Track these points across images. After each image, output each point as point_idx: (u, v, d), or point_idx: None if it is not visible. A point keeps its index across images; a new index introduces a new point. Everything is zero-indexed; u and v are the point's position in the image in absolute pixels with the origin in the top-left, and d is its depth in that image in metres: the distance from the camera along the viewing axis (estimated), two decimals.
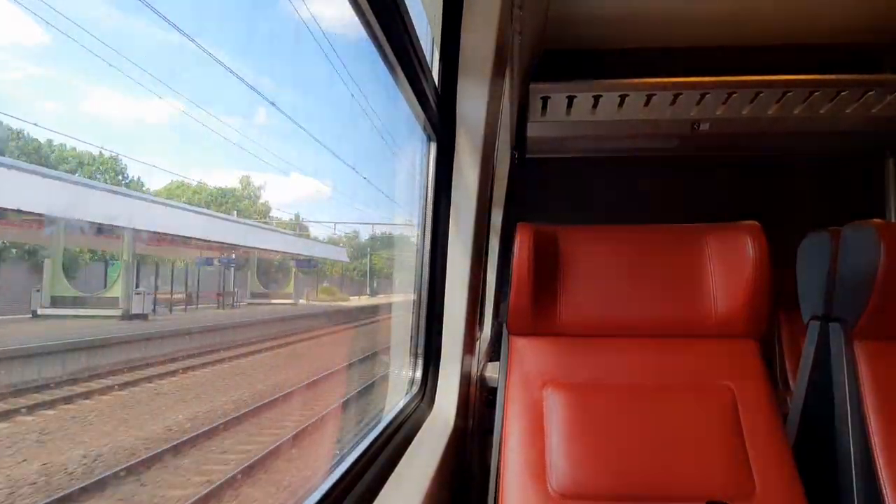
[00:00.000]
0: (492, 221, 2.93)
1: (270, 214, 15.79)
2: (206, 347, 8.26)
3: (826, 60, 2.70)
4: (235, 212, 13.35)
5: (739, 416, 1.26)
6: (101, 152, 8.05)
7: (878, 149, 2.91)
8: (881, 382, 1.31)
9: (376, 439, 1.20)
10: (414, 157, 1.69)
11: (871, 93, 2.44)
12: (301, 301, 16.35)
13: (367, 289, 26.45)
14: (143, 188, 8.74)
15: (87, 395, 5.44)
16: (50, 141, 6.73)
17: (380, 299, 23.68)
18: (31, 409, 4.82)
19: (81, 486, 3.72)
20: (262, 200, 15.65)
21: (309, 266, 16.04)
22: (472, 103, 1.54)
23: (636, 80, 2.43)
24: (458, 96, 1.54)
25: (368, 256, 26.90)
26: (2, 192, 4.32)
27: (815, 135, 2.73)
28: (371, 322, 15.67)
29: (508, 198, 3.10)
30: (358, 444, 1.17)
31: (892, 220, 2.89)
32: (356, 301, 21.40)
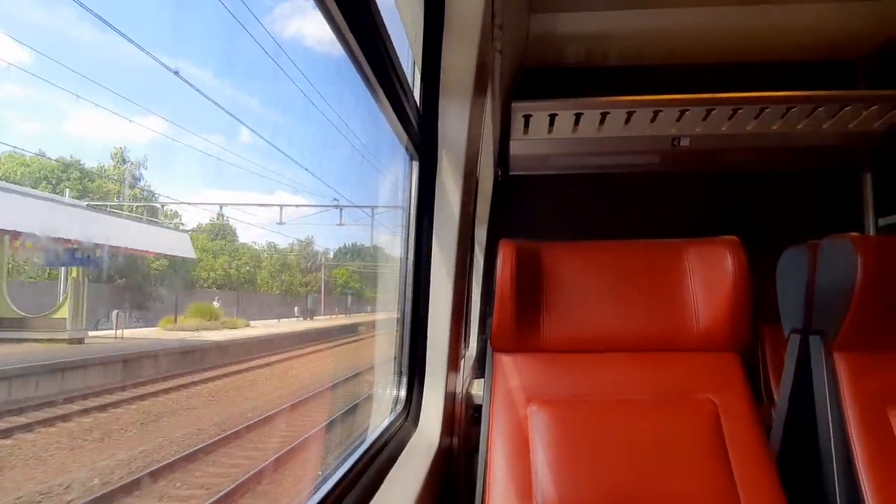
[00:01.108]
0: (476, 238, 2.94)
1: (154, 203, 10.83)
2: None
3: (803, 76, 2.77)
4: (68, 191, 8.89)
5: (723, 430, 1.27)
6: None
7: (855, 162, 2.96)
8: (861, 394, 1.32)
9: (359, 459, 1.19)
10: (396, 175, 1.70)
11: (847, 108, 2.49)
12: (98, 333, 8.58)
13: (299, 309, 21.08)
14: None
15: None
16: None
17: (311, 324, 18.48)
18: None
19: None
20: (146, 184, 10.85)
21: (89, 263, 8.02)
22: (453, 122, 1.55)
23: (616, 98, 2.46)
24: (439, 115, 1.55)
25: (322, 268, 23.68)
26: None
27: (794, 149, 2.78)
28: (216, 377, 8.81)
29: (492, 215, 3.12)
30: (341, 464, 1.16)
31: (870, 233, 2.94)
32: (256, 329, 14.23)
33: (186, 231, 13.31)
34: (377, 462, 1.25)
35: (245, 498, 4.47)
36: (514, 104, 2.50)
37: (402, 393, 1.59)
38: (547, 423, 1.30)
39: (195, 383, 8.36)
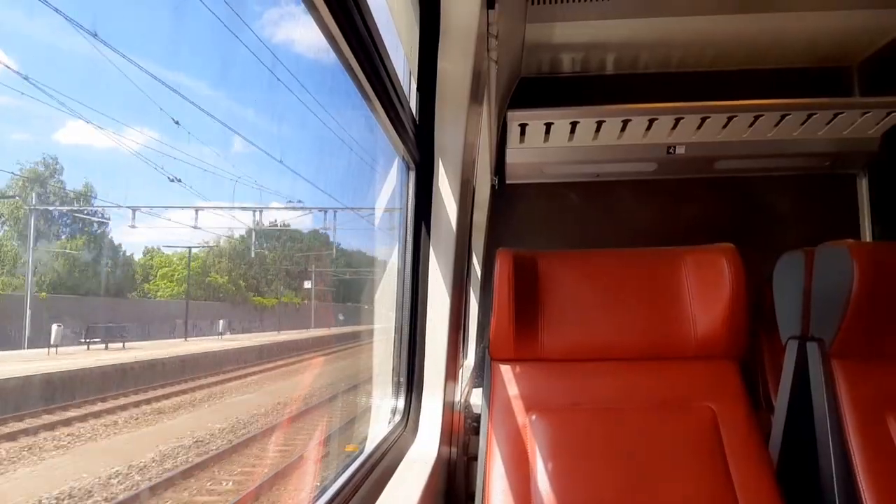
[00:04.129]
0: (473, 248, 2.94)
1: None
2: None
3: (798, 84, 2.78)
4: None
5: (721, 438, 1.27)
6: None
7: (851, 168, 2.98)
8: (859, 401, 1.32)
9: (358, 469, 1.19)
10: (393, 184, 1.70)
11: (842, 115, 2.50)
12: None
13: None
14: None
15: None
16: None
17: None
18: None
19: None
20: None
21: None
22: (450, 132, 1.55)
23: (611, 107, 2.48)
24: (436, 125, 1.55)
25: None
26: None
27: (790, 156, 2.79)
28: None
29: (489, 224, 3.12)
30: (340, 474, 1.16)
31: (866, 239, 2.94)
32: None
33: None
34: (376, 472, 1.24)
35: None
36: (509, 113, 2.51)
37: (401, 403, 1.58)
38: (546, 432, 1.30)
39: None
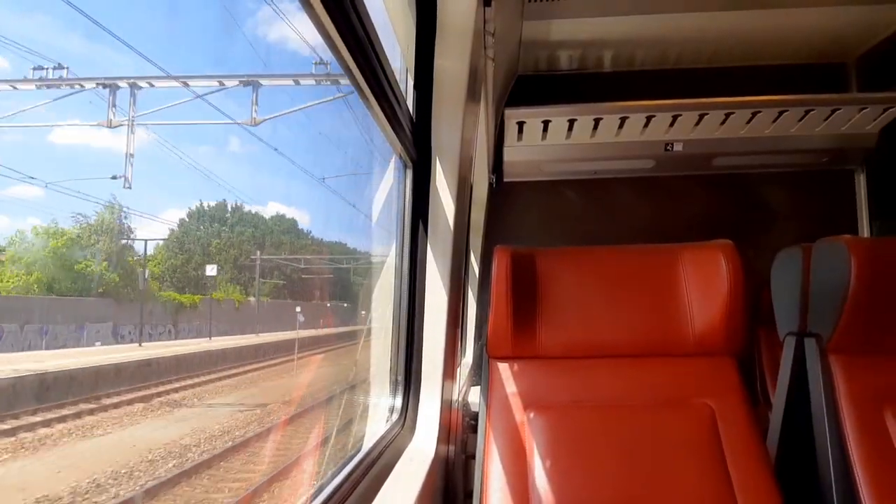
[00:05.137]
0: (471, 245, 2.94)
1: None
2: None
3: (795, 80, 2.79)
4: None
5: (720, 434, 1.27)
6: None
7: (849, 164, 2.98)
8: (857, 396, 1.32)
9: (355, 468, 1.19)
10: (390, 183, 1.70)
11: (839, 111, 2.50)
12: None
13: None
14: None
15: None
16: None
17: None
18: None
19: None
20: None
21: None
22: (447, 130, 1.55)
23: (609, 104, 2.48)
24: (433, 124, 1.55)
25: None
26: None
27: (787, 152, 2.79)
28: None
29: (487, 221, 3.12)
30: (336, 473, 1.16)
31: (864, 235, 2.95)
32: None
33: None
34: (373, 470, 1.24)
35: None
36: (507, 111, 2.51)
37: (398, 401, 1.58)
38: (544, 429, 1.30)
39: None
